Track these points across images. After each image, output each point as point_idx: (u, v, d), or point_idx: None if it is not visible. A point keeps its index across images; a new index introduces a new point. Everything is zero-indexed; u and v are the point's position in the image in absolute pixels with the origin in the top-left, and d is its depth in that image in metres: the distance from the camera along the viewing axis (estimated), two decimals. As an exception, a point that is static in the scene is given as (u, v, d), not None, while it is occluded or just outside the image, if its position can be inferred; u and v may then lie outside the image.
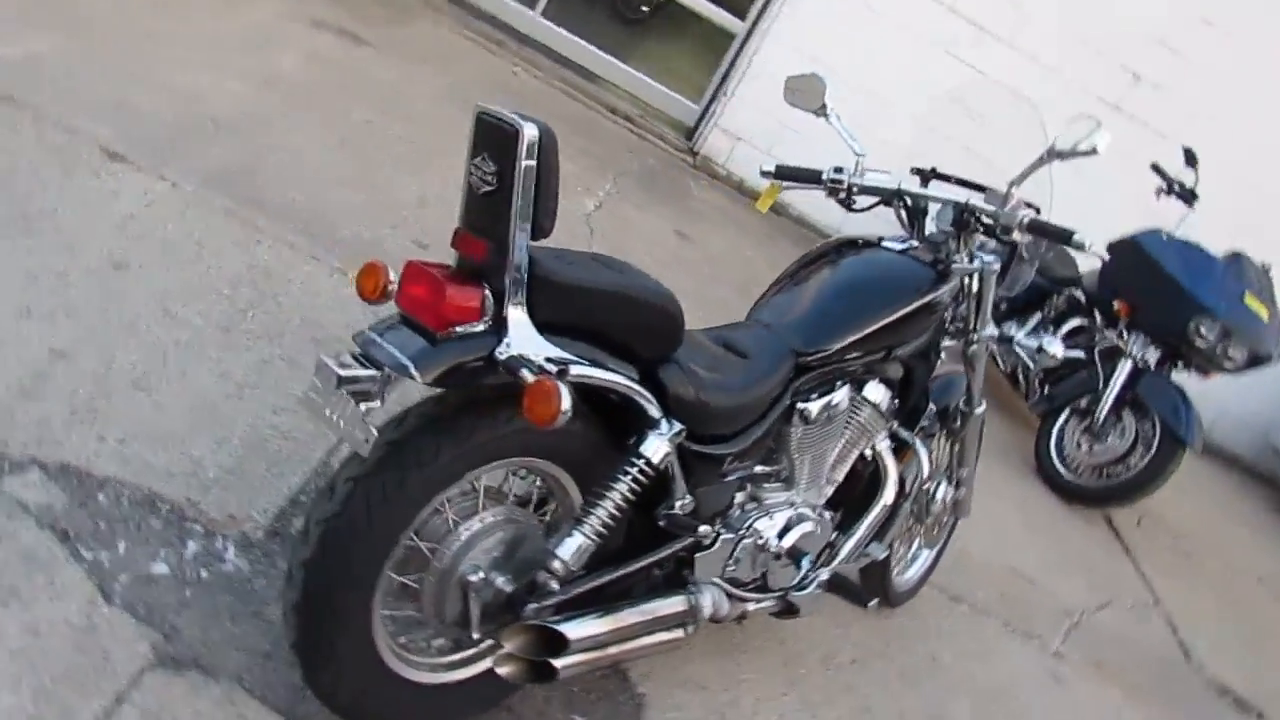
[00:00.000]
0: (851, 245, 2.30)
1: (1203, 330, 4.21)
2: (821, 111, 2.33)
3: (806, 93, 2.34)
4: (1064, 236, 2.04)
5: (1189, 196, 4.48)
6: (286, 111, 3.78)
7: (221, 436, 2.13)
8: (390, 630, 1.63)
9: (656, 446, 1.66)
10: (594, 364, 1.56)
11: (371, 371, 1.42)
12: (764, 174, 2.37)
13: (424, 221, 3.55)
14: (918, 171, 2.48)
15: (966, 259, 2.27)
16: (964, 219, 2.23)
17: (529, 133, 1.38)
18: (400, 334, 1.46)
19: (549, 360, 1.49)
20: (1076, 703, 2.95)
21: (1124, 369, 4.32)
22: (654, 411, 1.67)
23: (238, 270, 2.71)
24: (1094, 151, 1.95)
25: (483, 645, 1.71)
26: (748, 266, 5.02)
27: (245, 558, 1.89)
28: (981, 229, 2.22)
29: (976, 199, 2.21)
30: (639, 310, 1.64)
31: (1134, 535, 4.46)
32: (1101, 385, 4.35)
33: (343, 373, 1.39)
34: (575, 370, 1.51)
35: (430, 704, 1.70)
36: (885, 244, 2.28)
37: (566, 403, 1.37)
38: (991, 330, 2.42)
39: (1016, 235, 2.13)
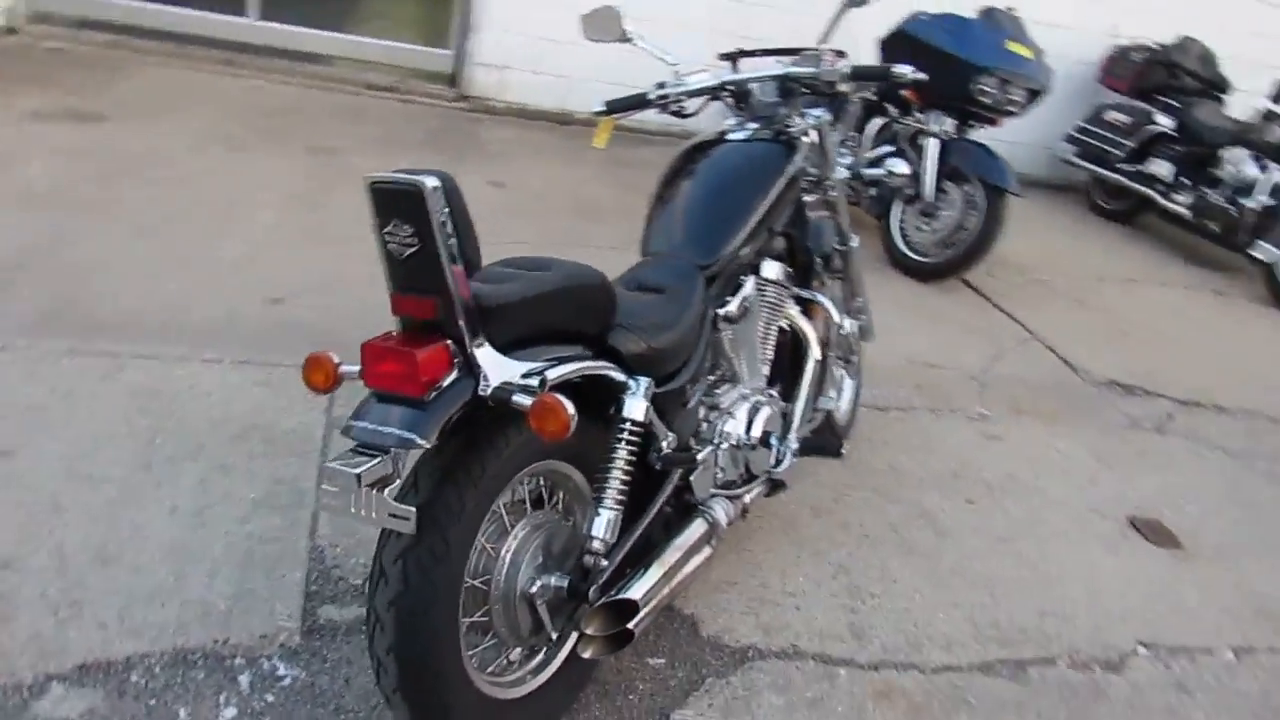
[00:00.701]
0: (700, 150, 2.41)
1: (984, 87, 4.57)
2: (625, 38, 2.40)
3: (605, 24, 2.40)
4: (885, 74, 2.21)
5: (927, -29, 4.77)
6: (65, 224, 3.54)
7: (209, 568, 2.11)
8: (479, 666, 1.72)
9: (636, 406, 1.77)
10: (561, 361, 1.64)
11: (379, 458, 1.46)
12: (597, 113, 2.44)
13: (264, 276, 3.45)
14: (726, 57, 2.60)
15: (800, 120, 2.43)
16: (788, 87, 2.38)
17: (431, 185, 1.41)
18: (383, 411, 1.50)
19: (525, 377, 1.56)
20: (1015, 451, 3.30)
21: (932, 147, 4.66)
22: (621, 377, 1.77)
23: (120, 404, 2.60)
24: (882, -10, 2.11)
25: (561, 639, 1.82)
26: (572, 188, 5.08)
27: (297, 665, 1.92)
28: (807, 90, 2.37)
29: (794, 66, 2.35)
30: (576, 296, 1.72)
31: (990, 285, 4.90)
32: (918, 168, 4.69)
33: (359, 472, 1.42)
34: (552, 375, 1.59)
35: (535, 710, 1.81)
36: (729, 136, 2.40)
37: (571, 409, 1.46)
38: (841, 172, 2.60)
39: (842, 86, 2.29)
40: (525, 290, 1.62)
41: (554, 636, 1.77)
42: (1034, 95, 4.72)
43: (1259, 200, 5.45)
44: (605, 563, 1.75)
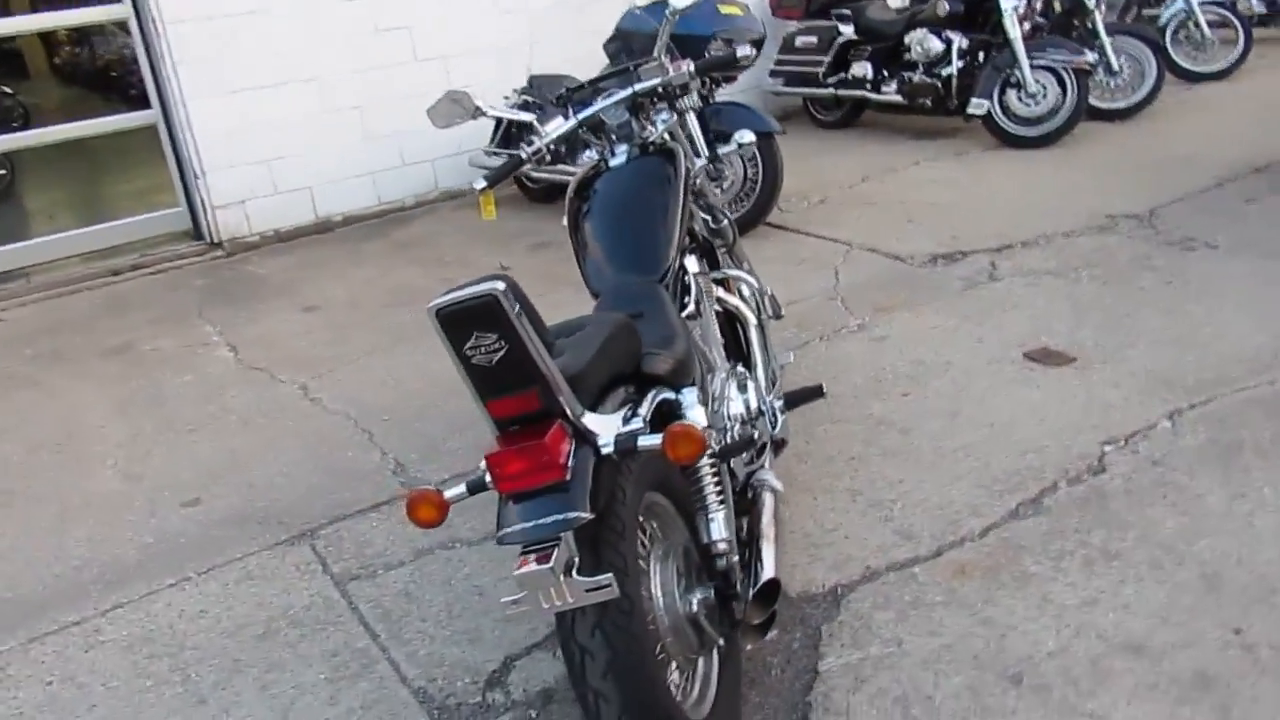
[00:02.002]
0: (588, 184, 2.54)
1: (714, 53, 4.96)
2: (479, 113, 2.49)
3: (456, 110, 2.48)
4: (730, 61, 2.45)
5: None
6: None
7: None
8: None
9: (698, 413, 1.90)
10: (637, 400, 1.76)
11: (558, 547, 1.51)
12: (481, 190, 2.51)
13: (161, 486, 3.25)
14: (561, 99, 2.74)
15: (657, 126, 2.62)
16: (638, 103, 2.56)
17: (500, 289, 1.48)
18: (530, 507, 1.54)
19: (626, 421, 1.67)
20: (904, 341, 3.66)
21: (692, 119, 4.93)
22: (674, 395, 1.90)
23: (124, 661, 2.42)
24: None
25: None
26: (375, 286, 5.05)
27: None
28: (658, 99, 2.56)
29: (641, 82, 2.52)
30: (619, 342, 1.82)
31: (789, 219, 5.33)
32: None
33: (551, 565, 1.47)
34: (643, 411, 1.70)
35: (726, 715, 1.92)
36: (611, 164, 2.55)
37: (699, 428, 1.58)
38: (702, 160, 2.83)
39: (694, 85, 2.50)
40: (586, 352, 1.71)
41: (721, 641, 1.88)
42: (758, 45, 5.15)
43: (954, 66, 6.21)
44: (735, 558, 1.88)
